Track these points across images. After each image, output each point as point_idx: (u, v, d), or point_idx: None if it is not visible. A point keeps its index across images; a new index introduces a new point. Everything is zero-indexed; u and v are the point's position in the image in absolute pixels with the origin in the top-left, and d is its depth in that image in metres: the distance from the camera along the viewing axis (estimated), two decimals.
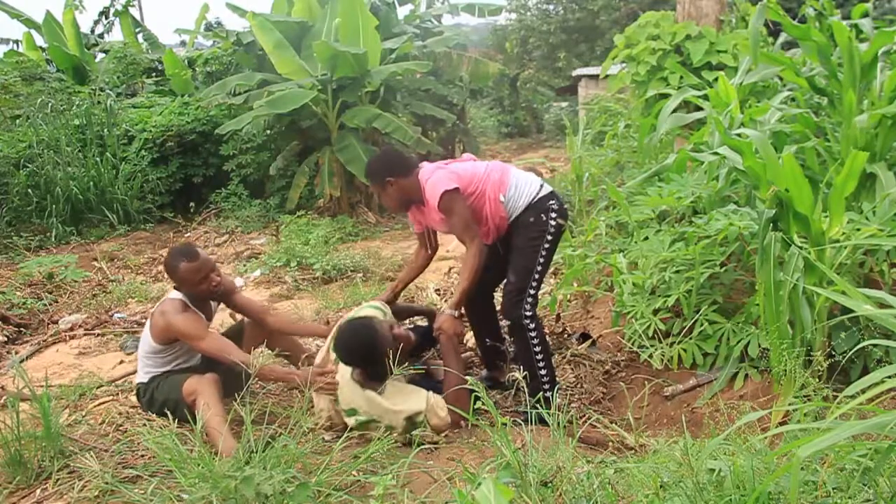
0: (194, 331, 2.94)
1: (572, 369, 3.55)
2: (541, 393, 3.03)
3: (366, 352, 2.81)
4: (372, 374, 2.86)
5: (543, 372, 3.11)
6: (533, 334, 3.10)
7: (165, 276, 3.20)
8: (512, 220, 3.15)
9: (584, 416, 2.90)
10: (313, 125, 9.10)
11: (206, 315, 3.13)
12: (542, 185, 3.17)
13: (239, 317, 3.56)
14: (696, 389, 3.16)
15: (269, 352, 3.42)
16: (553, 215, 3.11)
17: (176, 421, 2.87)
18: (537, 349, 3.10)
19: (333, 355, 2.94)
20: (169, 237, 8.31)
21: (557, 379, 3.28)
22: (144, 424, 2.78)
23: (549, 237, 3.12)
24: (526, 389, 2.51)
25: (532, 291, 3.10)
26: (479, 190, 3.12)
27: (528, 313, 3.07)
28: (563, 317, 4.27)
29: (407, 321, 3.73)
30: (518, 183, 3.15)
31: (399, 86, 9.93)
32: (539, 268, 3.11)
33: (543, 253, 3.11)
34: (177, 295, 3.07)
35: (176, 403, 2.90)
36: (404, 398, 2.83)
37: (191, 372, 3.04)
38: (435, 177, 3.05)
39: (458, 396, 2.82)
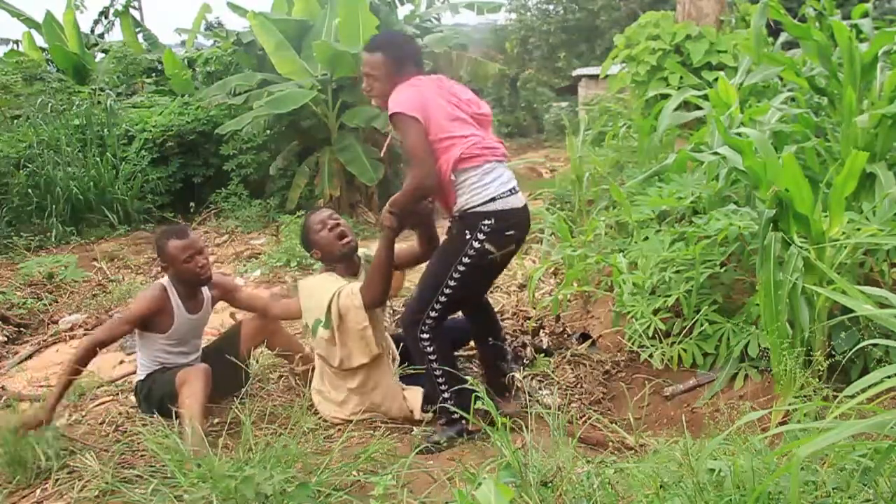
0: (132, 309, 3.00)
1: (572, 369, 3.54)
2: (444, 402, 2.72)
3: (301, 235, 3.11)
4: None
5: (447, 395, 2.73)
6: (433, 357, 2.74)
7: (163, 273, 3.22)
8: (455, 215, 2.74)
9: (584, 416, 2.90)
10: (313, 125, 9.10)
11: (191, 306, 3.09)
12: (504, 197, 2.67)
13: (239, 316, 3.55)
14: (696, 389, 3.16)
15: (270, 352, 3.42)
16: (481, 237, 2.63)
17: (177, 420, 2.87)
18: (437, 373, 2.74)
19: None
20: None
21: (559, 381, 3.24)
22: (145, 424, 2.78)
23: (467, 260, 2.65)
24: (526, 390, 2.52)
25: (433, 315, 2.71)
26: (438, 147, 2.64)
27: (425, 335, 2.73)
28: (562, 317, 4.27)
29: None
30: (484, 178, 2.66)
31: None
32: (448, 291, 2.69)
33: (456, 276, 2.67)
34: (164, 280, 3.08)
35: (174, 397, 2.89)
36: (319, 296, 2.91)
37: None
38: (406, 94, 2.64)
39: (368, 282, 2.83)
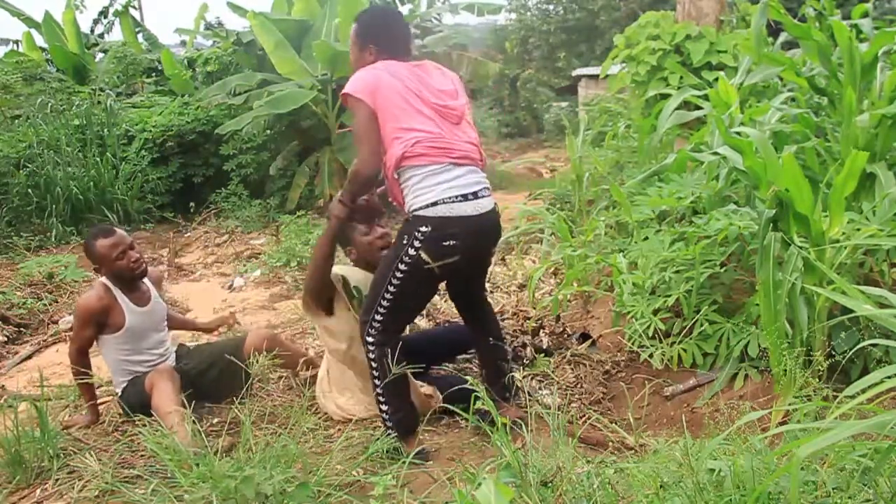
0: (79, 314, 3.01)
1: (572, 369, 3.54)
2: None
3: None
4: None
5: (384, 408, 2.60)
6: (374, 364, 2.57)
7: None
8: (406, 217, 2.54)
9: (584, 416, 2.90)
10: (313, 125, 9.10)
11: (137, 299, 3.10)
12: (449, 202, 2.40)
13: (242, 318, 3.57)
14: (696, 389, 3.16)
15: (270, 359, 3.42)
16: (416, 244, 2.41)
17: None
18: (377, 382, 2.58)
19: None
20: (169, 237, 8.32)
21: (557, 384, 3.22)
22: (144, 425, 2.79)
23: (403, 267, 2.45)
24: (525, 389, 2.51)
25: (378, 321, 2.53)
26: (386, 139, 2.46)
27: (370, 339, 2.57)
28: (562, 317, 4.27)
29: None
30: (428, 180, 2.42)
31: None
32: (388, 297, 2.50)
33: (395, 283, 2.48)
34: (103, 279, 3.07)
35: (148, 404, 2.91)
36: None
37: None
38: (360, 75, 2.48)
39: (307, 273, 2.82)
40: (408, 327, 3.67)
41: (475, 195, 2.45)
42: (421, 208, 2.41)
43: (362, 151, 2.47)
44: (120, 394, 3.14)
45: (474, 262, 2.65)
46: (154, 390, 2.86)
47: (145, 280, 3.17)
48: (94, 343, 3.08)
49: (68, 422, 3.06)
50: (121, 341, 3.07)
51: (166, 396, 2.81)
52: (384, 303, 2.52)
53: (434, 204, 2.39)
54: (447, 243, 2.40)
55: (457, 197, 2.41)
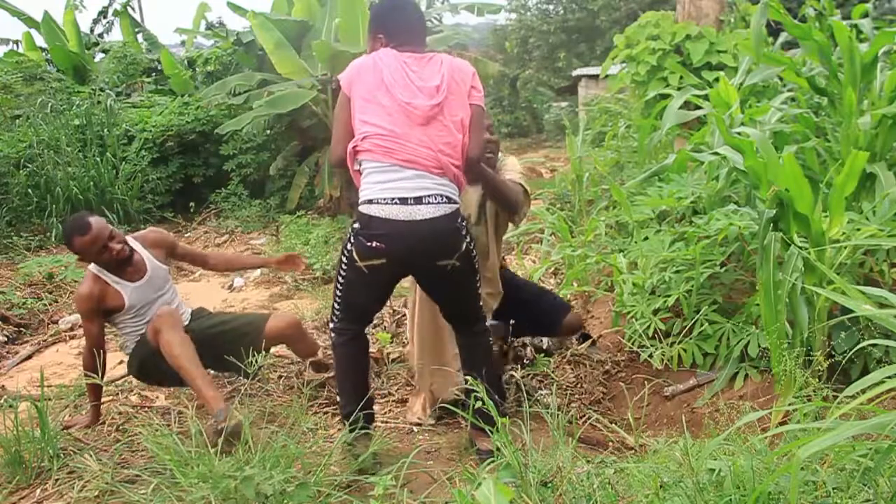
0: (78, 309, 3.01)
1: (572, 369, 3.55)
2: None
3: None
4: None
5: (340, 399, 2.62)
6: (337, 352, 2.59)
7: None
8: None
9: (584, 416, 2.90)
10: (313, 125, 9.10)
11: (129, 276, 3.03)
12: (382, 203, 2.31)
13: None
14: (696, 389, 3.16)
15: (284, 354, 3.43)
16: (351, 239, 2.38)
17: (176, 422, 2.87)
18: (337, 371, 2.62)
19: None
20: None
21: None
22: (145, 425, 2.79)
23: (343, 259, 2.43)
24: (524, 389, 2.51)
25: (336, 307, 2.54)
26: (356, 131, 2.39)
27: (330, 325, 2.59)
28: None
29: None
30: (371, 176, 2.35)
31: None
32: (339, 286, 2.50)
33: (341, 272, 2.46)
34: (92, 267, 3.02)
35: (152, 354, 2.92)
36: None
37: None
38: (352, 63, 2.46)
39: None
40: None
41: (417, 200, 2.32)
42: (360, 203, 2.37)
43: (332, 138, 2.49)
44: (128, 357, 3.14)
45: (418, 272, 2.54)
46: (161, 337, 2.84)
47: (137, 250, 3.09)
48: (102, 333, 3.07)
49: (69, 422, 3.06)
50: (128, 317, 3.06)
51: (178, 346, 2.80)
52: (338, 292, 2.52)
53: (369, 202, 2.33)
54: (371, 244, 2.33)
55: (392, 199, 2.31)
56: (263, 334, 3.14)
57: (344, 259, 2.42)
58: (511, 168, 3.02)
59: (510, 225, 3.26)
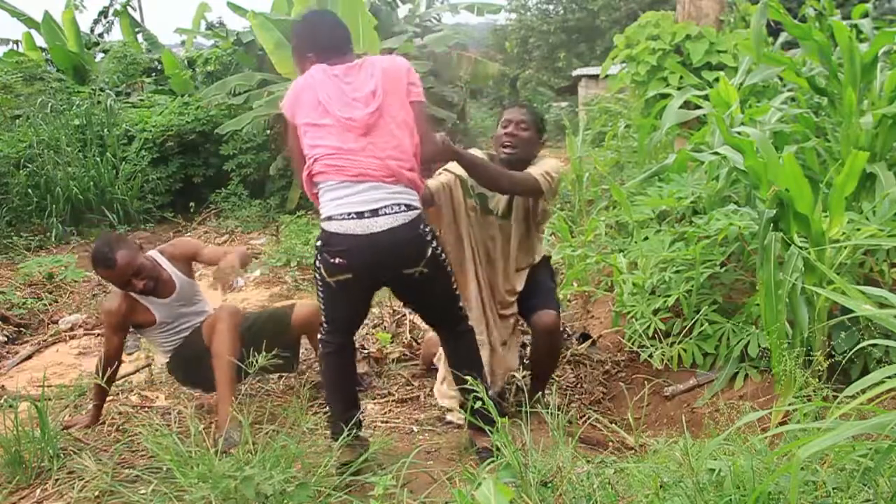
0: (106, 323, 3.03)
1: (572, 369, 3.55)
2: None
3: None
4: None
5: (328, 408, 2.60)
6: (323, 363, 2.57)
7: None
8: None
9: (584, 416, 2.90)
10: None
11: (158, 293, 3.02)
12: (338, 219, 2.30)
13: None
14: (696, 389, 3.16)
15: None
16: (317, 255, 2.38)
17: (176, 422, 2.87)
18: (325, 382, 2.61)
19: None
20: (169, 237, 8.32)
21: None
22: (145, 425, 2.79)
23: (318, 280, 2.43)
24: (525, 389, 2.51)
25: (322, 318, 2.51)
26: (307, 156, 2.37)
27: (319, 336, 2.56)
28: (563, 317, 4.27)
29: None
30: (326, 195, 2.34)
31: None
32: (322, 305, 2.48)
33: (319, 294, 2.46)
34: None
35: (195, 356, 2.97)
36: None
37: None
38: (291, 87, 2.43)
39: None
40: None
41: (374, 213, 2.29)
42: (321, 221, 2.38)
43: (294, 169, 2.50)
44: (169, 358, 3.15)
45: (387, 283, 2.49)
46: (216, 334, 2.86)
47: (164, 267, 3.07)
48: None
49: (69, 422, 3.06)
50: (160, 331, 3.08)
51: (227, 347, 2.81)
52: (322, 306, 2.50)
53: (328, 219, 2.33)
54: (334, 260, 2.32)
55: (349, 214, 2.29)
56: (291, 325, 3.19)
57: (317, 276, 2.43)
58: (542, 165, 2.92)
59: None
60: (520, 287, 3.02)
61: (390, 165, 2.31)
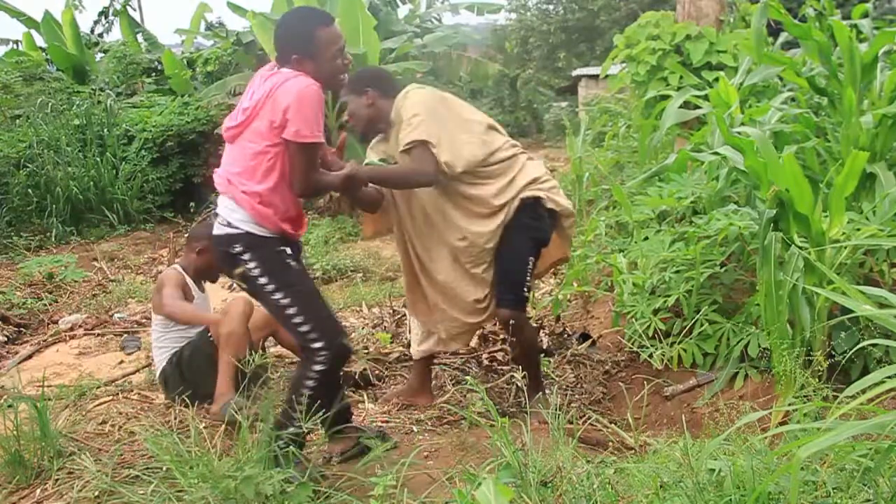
0: (168, 291, 3.20)
1: (572, 369, 3.55)
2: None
3: None
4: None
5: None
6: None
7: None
8: None
9: (584, 416, 2.89)
10: None
11: (200, 286, 3.38)
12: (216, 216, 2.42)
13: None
14: (696, 389, 3.16)
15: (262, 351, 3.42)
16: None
17: (177, 421, 2.87)
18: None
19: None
20: (169, 237, 8.32)
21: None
22: (145, 425, 2.79)
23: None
24: (525, 390, 2.51)
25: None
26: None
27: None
28: (562, 317, 4.27)
29: None
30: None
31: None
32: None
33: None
34: (176, 268, 3.37)
35: (202, 354, 3.09)
36: None
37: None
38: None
39: None
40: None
41: (216, 216, 2.46)
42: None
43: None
44: (166, 361, 3.25)
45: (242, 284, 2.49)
46: (223, 326, 2.97)
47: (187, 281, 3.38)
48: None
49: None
50: (176, 327, 3.25)
51: (235, 331, 2.94)
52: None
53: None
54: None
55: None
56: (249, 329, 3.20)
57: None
58: (405, 125, 2.80)
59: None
60: (460, 234, 2.89)
61: (228, 179, 2.40)
